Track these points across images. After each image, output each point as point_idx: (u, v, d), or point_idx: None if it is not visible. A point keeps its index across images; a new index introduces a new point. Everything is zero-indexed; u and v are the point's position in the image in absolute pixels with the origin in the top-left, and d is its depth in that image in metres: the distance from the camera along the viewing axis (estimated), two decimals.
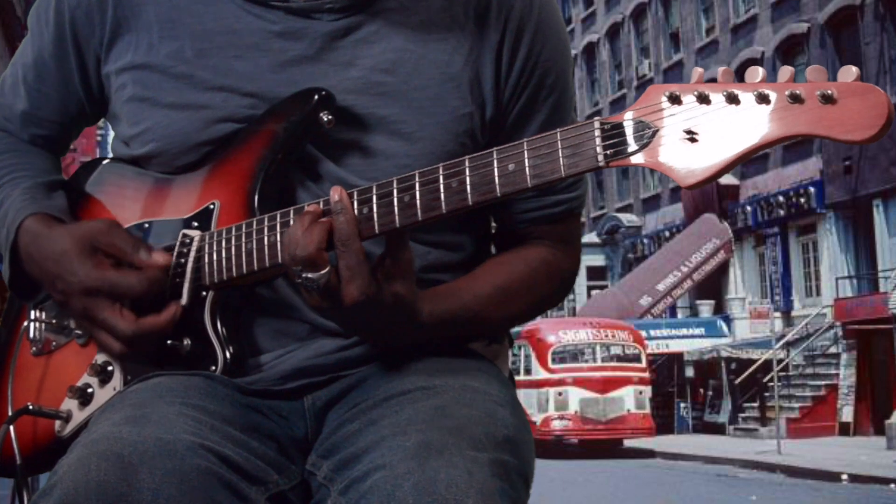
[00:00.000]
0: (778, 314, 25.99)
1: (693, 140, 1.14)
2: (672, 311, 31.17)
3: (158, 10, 1.49)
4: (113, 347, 1.42)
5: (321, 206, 1.32)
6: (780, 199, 27.82)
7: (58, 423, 1.49)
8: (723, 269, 30.11)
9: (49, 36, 1.57)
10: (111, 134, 1.62)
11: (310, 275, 1.27)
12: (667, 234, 33.22)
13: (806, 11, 27.29)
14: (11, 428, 1.48)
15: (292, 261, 1.28)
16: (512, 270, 1.47)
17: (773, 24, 28.72)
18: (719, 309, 29.35)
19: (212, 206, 1.45)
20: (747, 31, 30.04)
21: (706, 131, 1.13)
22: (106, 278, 1.41)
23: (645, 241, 35.25)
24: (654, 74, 35.20)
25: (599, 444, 21.80)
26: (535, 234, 1.52)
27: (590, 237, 36.45)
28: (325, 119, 1.41)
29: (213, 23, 1.47)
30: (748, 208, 29.34)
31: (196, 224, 1.45)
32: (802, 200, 26.97)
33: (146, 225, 1.50)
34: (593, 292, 33.76)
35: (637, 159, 1.17)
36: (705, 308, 29.40)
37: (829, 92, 1.08)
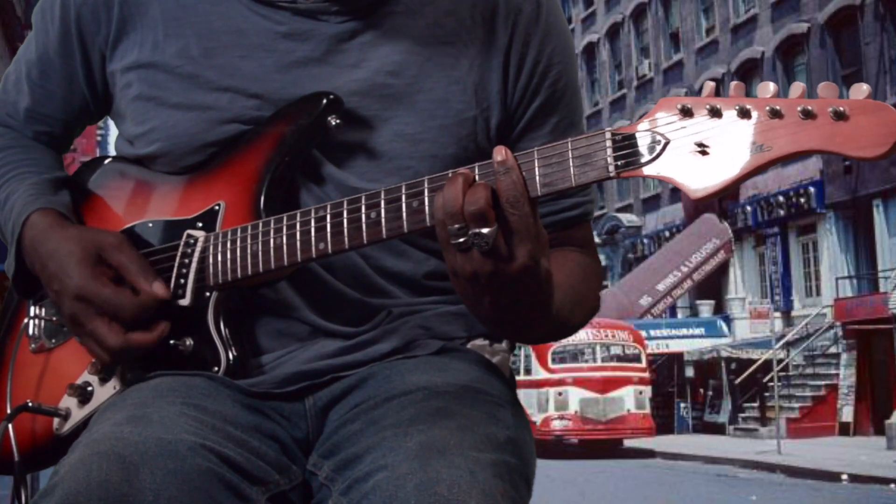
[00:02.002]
0: (778, 314, 26.01)
1: (704, 153, 1.14)
2: (672, 311, 31.16)
3: (164, 8, 1.49)
4: (100, 357, 1.43)
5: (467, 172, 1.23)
6: (780, 199, 27.84)
7: (56, 420, 1.48)
8: (723, 269, 30.10)
9: (54, 33, 1.56)
10: (111, 133, 1.63)
11: (483, 230, 1.19)
12: (667, 234, 33.23)
13: (806, 11, 27.29)
14: (10, 425, 1.48)
15: (455, 218, 1.19)
16: (571, 271, 1.44)
17: (773, 24, 28.70)
18: (719, 309, 29.36)
19: (217, 207, 1.45)
20: (747, 31, 30.02)
21: (717, 145, 1.13)
22: (100, 292, 1.41)
23: (645, 241, 35.26)
24: (654, 74, 35.22)
25: (599, 444, 21.81)
26: (559, 241, 1.47)
27: None
28: (333, 123, 1.41)
29: (220, 22, 1.47)
30: (748, 208, 29.35)
31: (201, 224, 1.45)
32: (802, 200, 26.99)
33: (150, 225, 1.49)
34: None
35: (648, 171, 1.17)
36: (705, 308, 29.40)
37: (841, 109, 1.08)
